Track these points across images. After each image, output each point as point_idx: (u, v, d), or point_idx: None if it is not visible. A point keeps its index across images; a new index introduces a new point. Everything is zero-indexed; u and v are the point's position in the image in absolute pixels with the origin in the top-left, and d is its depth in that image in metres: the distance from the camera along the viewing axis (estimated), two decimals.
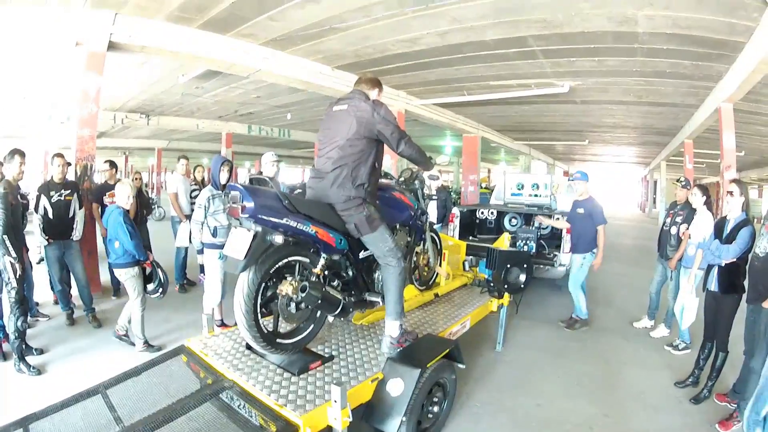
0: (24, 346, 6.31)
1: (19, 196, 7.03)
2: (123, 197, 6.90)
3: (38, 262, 7.97)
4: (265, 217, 3.90)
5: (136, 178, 10.61)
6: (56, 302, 8.47)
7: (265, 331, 4.12)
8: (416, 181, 5.97)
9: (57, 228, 7.87)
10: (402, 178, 6.05)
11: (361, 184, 4.49)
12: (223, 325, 7.24)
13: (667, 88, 13.68)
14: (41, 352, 6.73)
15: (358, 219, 4.46)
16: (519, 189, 11.37)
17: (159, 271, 6.91)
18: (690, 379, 6.37)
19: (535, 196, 11.12)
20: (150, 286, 6.87)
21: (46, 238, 7.78)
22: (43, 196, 7.80)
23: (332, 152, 4.52)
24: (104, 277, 9.73)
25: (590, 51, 10.77)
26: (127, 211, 6.93)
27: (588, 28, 9.34)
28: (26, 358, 6.27)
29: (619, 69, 12.10)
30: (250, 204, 3.83)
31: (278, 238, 3.99)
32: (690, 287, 6.68)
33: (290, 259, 4.22)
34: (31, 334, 7.12)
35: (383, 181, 5.82)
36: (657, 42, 9.76)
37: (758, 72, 9.46)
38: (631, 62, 11.42)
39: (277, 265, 4.10)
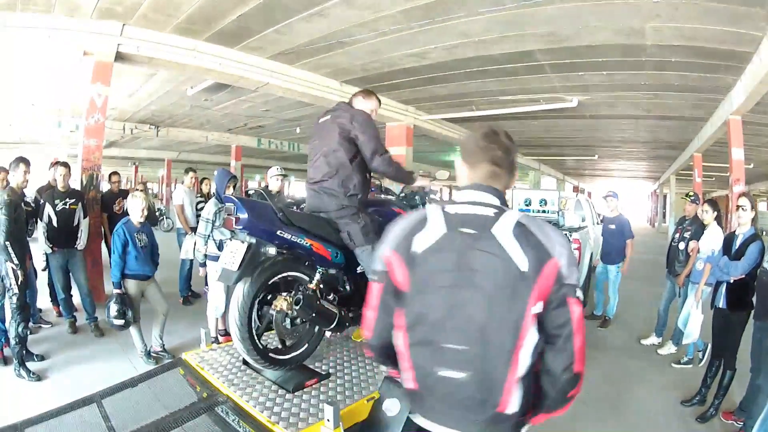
0: (25, 352, 6.38)
1: (23, 204, 7.07)
2: (135, 211, 6.89)
3: (44, 269, 8.00)
4: (258, 229, 3.91)
5: (140, 189, 10.57)
6: (59, 314, 8.52)
7: (261, 346, 4.09)
8: (417, 197, 5.89)
9: (61, 236, 7.94)
10: (403, 194, 5.99)
11: (355, 194, 4.48)
12: (226, 334, 7.22)
13: (675, 101, 13.63)
14: (42, 358, 6.82)
15: (352, 228, 4.44)
16: (527, 205, 11.30)
17: (120, 307, 6.50)
18: (697, 398, 6.30)
19: (543, 212, 11.06)
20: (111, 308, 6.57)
21: (51, 246, 7.83)
22: (47, 205, 7.88)
23: (319, 161, 4.54)
24: (108, 287, 9.69)
25: (598, 65, 10.73)
26: (138, 224, 6.92)
27: (595, 41, 9.30)
28: (27, 363, 6.34)
29: (627, 82, 12.05)
30: (243, 216, 3.85)
31: (272, 251, 3.99)
32: (696, 302, 6.65)
33: (286, 274, 4.19)
34: (32, 340, 7.13)
35: (384, 196, 5.78)
36: (664, 54, 9.71)
37: (766, 83, 9.40)
38: (639, 75, 11.38)
39: (272, 280, 4.08)
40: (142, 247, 6.86)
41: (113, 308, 6.44)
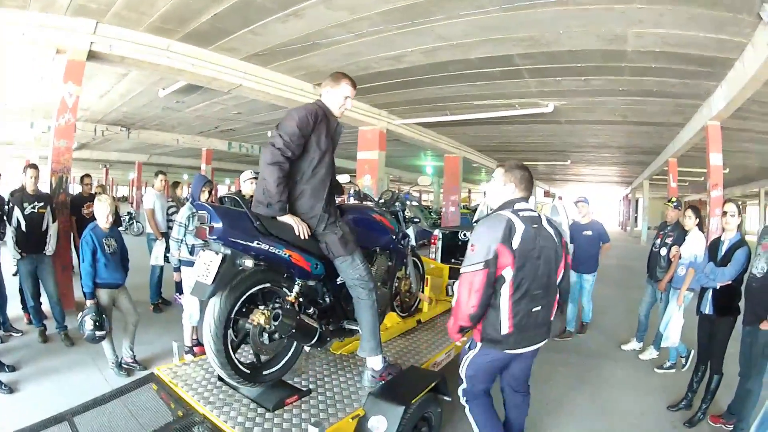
0: None
1: None
2: (101, 216, 6.49)
3: (14, 274, 7.81)
4: (234, 240, 3.68)
5: (98, 192, 10.34)
6: (29, 322, 8.24)
7: (237, 363, 3.88)
8: (397, 203, 5.75)
9: (30, 241, 7.68)
10: (382, 200, 5.84)
11: (301, 213, 4.18)
12: (199, 344, 7.03)
13: (653, 108, 13.66)
14: (13, 369, 6.55)
15: (330, 239, 4.22)
16: None
17: (97, 318, 6.16)
18: (683, 402, 6.26)
19: None
20: (86, 322, 6.20)
21: (19, 251, 7.57)
22: (16, 208, 7.62)
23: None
24: (78, 293, 9.44)
25: (577, 70, 10.69)
26: (106, 229, 6.52)
27: (576, 46, 9.24)
28: None
29: (606, 88, 12.04)
30: (218, 225, 3.61)
31: (248, 262, 3.75)
32: (677, 306, 6.63)
33: (263, 286, 3.99)
34: (3, 349, 7.04)
35: (364, 203, 5.64)
36: (645, 60, 9.69)
37: (748, 89, 9.42)
38: (618, 81, 11.35)
39: (248, 293, 3.87)
40: (111, 254, 6.49)
41: (89, 322, 6.07)
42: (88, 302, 6.22)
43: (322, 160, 4.23)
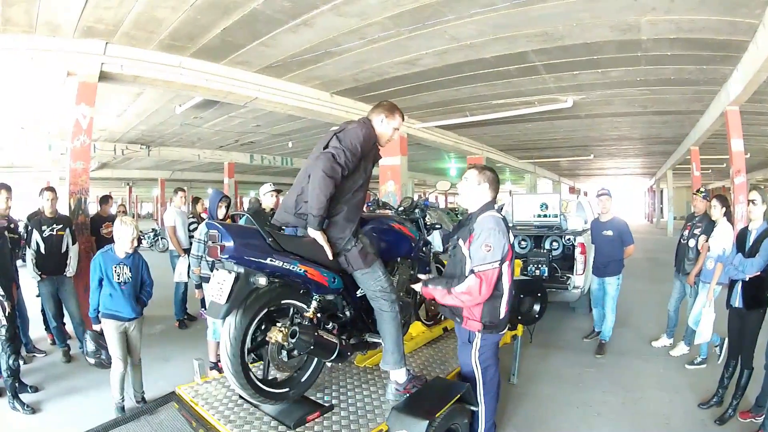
0: (18, 384, 6.18)
1: (6, 231, 6.90)
2: (123, 241, 5.89)
3: (37, 296, 7.93)
4: (246, 258, 3.58)
5: (121, 211, 10.32)
6: (53, 343, 8.34)
7: (256, 380, 3.80)
8: (416, 210, 5.64)
9: (49, 263, 7.74)
10: (401, 207, 5.73)
11: (347, 236, 4.06)
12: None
13: (672, 96, 13.51)
14: (36, 389, 6.64)
15: (350, 252, 4.07)
16: (543, 210, 11.01)
17: (96, 347, 5.86)
18: (714, 399, 6.13)
19: (545, 216, 10.76)
20: (87, 345, 5.95)
21: (39, 273, 7.64)
22: (35, 231, 7.67)
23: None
24: None
25: (593, 63, 10.55)
26: (123, 254, 5.97)
27: (590, 38, 9.11)
28: (20, 395, 6.14)
29: (623, 79, 11.88)
30: (229, 244, 3.52)
31: (262, 280, 3.65)
32: (708, 301, 6.49)
33: (279, 303, 3.92)
34: (26, 370, 7.04)
35: (381, 211, 5.55)
36: (660, 48, 9.54)
37: (764, 71, 9.25)
38: (634, 71, 11.20)
39: (264, 310, 3.79)
40: (120, 283, 5.88)
41: (89, 346, 5.89)
42: (93, 327, 6.03)
43: (363, 185, 4.17)
